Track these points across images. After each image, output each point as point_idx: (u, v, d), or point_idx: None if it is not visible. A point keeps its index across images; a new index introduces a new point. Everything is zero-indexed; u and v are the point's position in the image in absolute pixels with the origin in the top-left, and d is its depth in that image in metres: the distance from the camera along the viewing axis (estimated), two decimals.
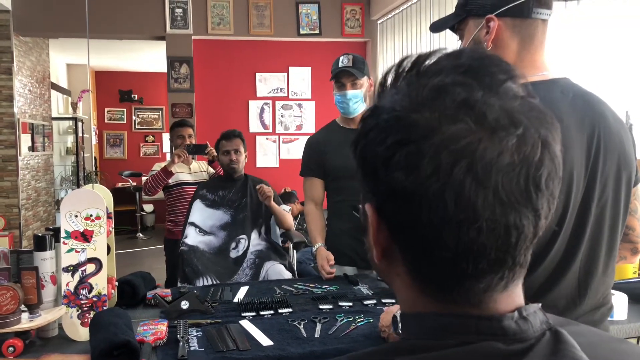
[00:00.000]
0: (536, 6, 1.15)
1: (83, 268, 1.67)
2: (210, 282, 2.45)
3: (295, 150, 5.51)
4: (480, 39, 1.21)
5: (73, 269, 1.66)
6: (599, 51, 2.67)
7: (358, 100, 2.34)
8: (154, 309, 1.88)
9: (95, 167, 8.73)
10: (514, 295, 0.49)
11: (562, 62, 2.78)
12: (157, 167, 3.41)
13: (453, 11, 1.30)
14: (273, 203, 2.80)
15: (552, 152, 0.46)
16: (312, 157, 2.46)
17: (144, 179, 4.17)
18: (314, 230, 2.42)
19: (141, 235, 7.96)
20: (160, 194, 3.47)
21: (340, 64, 2.33)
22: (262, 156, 5.62)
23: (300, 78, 5.69)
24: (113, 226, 1.87)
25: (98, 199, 1.72)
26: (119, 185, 8.61)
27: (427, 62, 0.49)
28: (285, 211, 2.91)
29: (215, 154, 3.17)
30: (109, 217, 1.79)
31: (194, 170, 3.50)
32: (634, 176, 1.19)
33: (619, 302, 1.68)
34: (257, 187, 2.79)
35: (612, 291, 1.53)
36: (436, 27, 1.35)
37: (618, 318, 1.69)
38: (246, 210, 2.79)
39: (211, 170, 3.51)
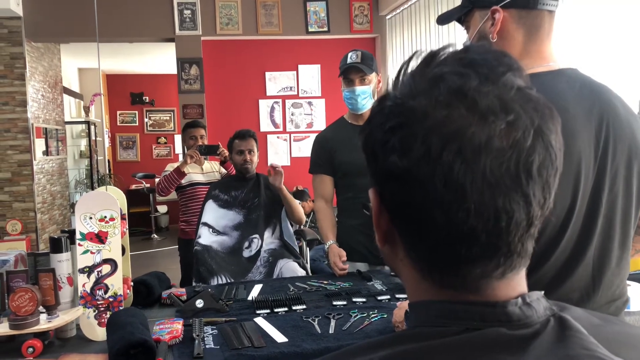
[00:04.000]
0: None
1: (99, 269, 1.69)
2: (224, 281, 2.46)
3: (307, 149, 5.49)
4: (485, 30, 1.20)
5: (89, 270, 1.68)
6: (613, 40, 2.64)
7: (366, 97, 2.34)
8: (170, 309, 1.90)
9: (109, 170, 8.81)
10: (514, 284, 0.50)
11: (574, 51, 2.76)
12: (170, 167, 3.44)
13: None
14: (284, 189, 2.81)
15: (547, 142, 0.47)
16: (321, 154, 2.46)
17: (157, 180, 4.21)
18: (325, 228, 2.43)
19: (156, 236, 8.02)
20: (173, 195, 3.50)
21: (349, 60, 2.33)
22: (274, 155, 5.64)
23: (310, 76, 5.69)
24: (127, 227, 1.89)
25: (112, 201, 1.74)
26: (133, 187, 8.69)
27: (436, 56, 0.50)
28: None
29: (227, 154, 3.19)
30: (122, 218, 1.81)
31: (207, 171, 3.52)
32: None
33: (636, 293, 1.66)
34: (269, 165, 2.81)
35: (629, 282, 1.51)
36: (443, 20, 1.35)
37: (635, 309, 1.67)
38: (259, 209, 2.81)
39: (223, 170, 3.53)
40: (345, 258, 2.29)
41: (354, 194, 2.37)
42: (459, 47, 0.51)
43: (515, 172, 0.45)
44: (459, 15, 1.27)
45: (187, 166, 3.33)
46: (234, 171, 3.17)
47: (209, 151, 3.37)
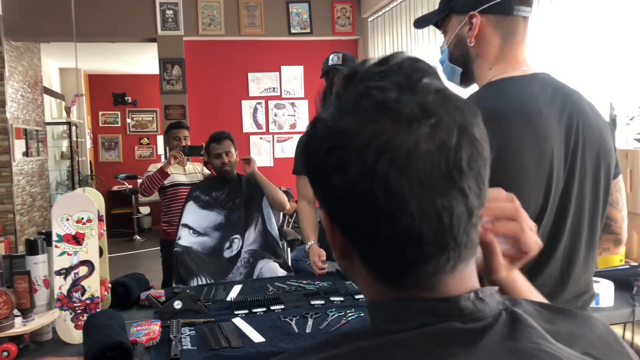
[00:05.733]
0: (517, 4, 1.17)
1: (75, 271, 1.68)
2: (204, 282, 2.47)
3: (290, 149, 5.53)
4: (463, 35, 1.23)
5: (65, 272, 1.68)
6: (584, 44, 2.70)
7: None
8: (148, 310, 1.90)
9: (91, 171, 8.73)
10: (465, 277, 0.52)
11: (547, 55, 2.81)
12: (153, 168, 3.43)
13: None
14: (259, 173, 2.86)
15: (471, 136, 0.49)
16: None
17: (139, 181, 4.19)
18: (307, 228, 2.45)
19: (138, 237, 7.97)
20: (156, 196, 3.49)
21: (330, 62, 2.35)
22: (257, 156, 5.64)
23: (293, 77, 5.70)
24: (105, 229, 1.88)
25: (89, 202, 1.73)
26: (115, 188, 8.61)
27: (356, 74, 0.53)
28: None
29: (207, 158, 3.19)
30: (100, 219, 1.80)
31: (189, 172, 3.52)
32: (613, 168, 1.22)
33: (605, 289, 1.71)
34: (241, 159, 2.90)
35: (598, 279, 1.56)
36: (420, 23, 1.37)
37: (604, 305, 1.71)
38: (240, 210, 2.81)
39: (206, 171, 3.53)
40: (324, 258, 2.31)
41: None
42: (375, 60, 0.53)
43: (447, 170, 0.47)
44: (436, 20, 1.30)
45: (170, 167, 3.33)
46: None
47: (193, 152, 3.37)
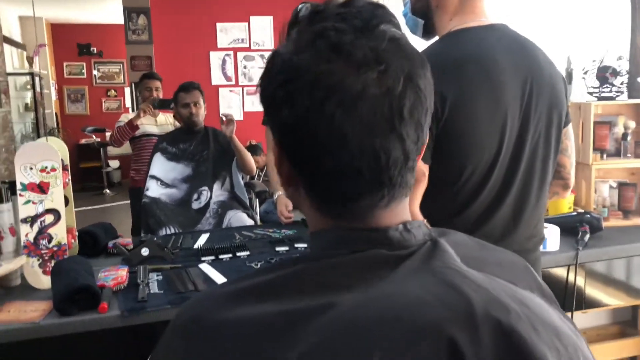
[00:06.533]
0: None
1: (41, 219, 1.70)
2: (173, 232, 2.51)
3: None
4: None
5: (31, 220, 1.70)
6: None
7: None
8: (115, 258, 1.94)
9: (57, 124, 8.54)
10: (396, 212, 0.57)
11: (506, 7, 2.83)
12: (125, 118, 3.45)
13: None
14: (236, 139, 2.86)
15: (417, 86, 0.53)
16: None
17: (107, 134, 4.17)
18: (275, 179, 2.50)
19: (108, 191, 7.92)
20: (125, 148, 3.51)
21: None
22: (226, 109, 5.60)
23: (262, 28, 5.62)
24: (70, 178, 1.89)
25: (52, 152, 1.74)
26: (83, 141, 8.46)
27: (318, 12, 0.55)
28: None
29: None
30: (65, 169, 1.81)
31: (161, 123, 3.52)
32: (564, 117, 1.28)
33: (552, 234, 1.81)
34: (221, 114, 2.84)
35: (546, 224, 1.66)
36: None
37: (551, 249, 1.82)
38: (208, 162, 2.83)
39: (177, 124, 3.52)
40: (291, 207, 2.38)
41: None
42: (340, 1, 0.55)
43: (389, 115, 0.51)
44: None
45: (141, 119, 3.33)
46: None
47: (163, 105, 3.35)
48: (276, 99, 0.54)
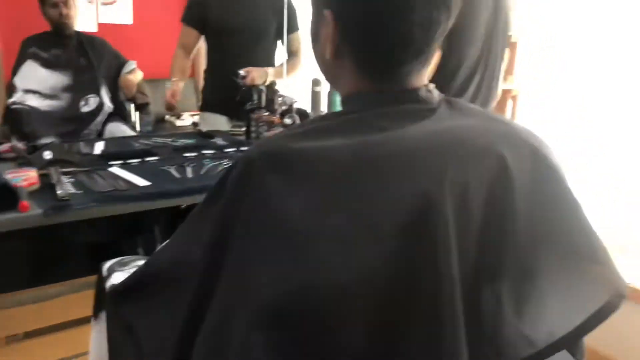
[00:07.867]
0: None
1: None
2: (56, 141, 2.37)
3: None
4: None
5: None
6: None
7: None
8: (12, 162, 1.82)
9: None
10: (423, 77, 0.72)
11: None
12: None
13: None
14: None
15: None
16: (194, 7, 2.53)
17: None
18: (175, 71, 2.59)
19: None
20: None
21: None
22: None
23: None
24: None
25: None
26: None
27: None
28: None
29: None
30: None
31: None
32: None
33: None
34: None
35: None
36: None
37: None
38: (87, 71, 2.67)
39: None
40: (179, 97, 2.51)
41: (221, 57, 2.55)
42: None
43: None
44: None
45: None
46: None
47: None
48: None
